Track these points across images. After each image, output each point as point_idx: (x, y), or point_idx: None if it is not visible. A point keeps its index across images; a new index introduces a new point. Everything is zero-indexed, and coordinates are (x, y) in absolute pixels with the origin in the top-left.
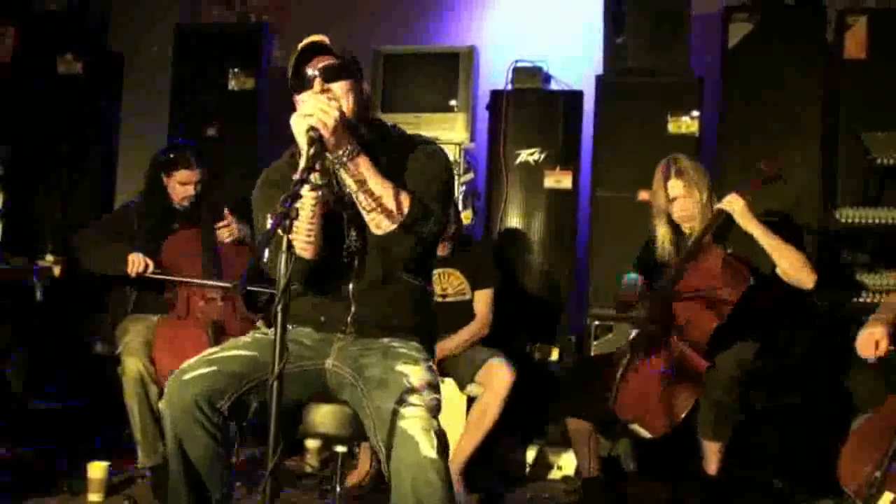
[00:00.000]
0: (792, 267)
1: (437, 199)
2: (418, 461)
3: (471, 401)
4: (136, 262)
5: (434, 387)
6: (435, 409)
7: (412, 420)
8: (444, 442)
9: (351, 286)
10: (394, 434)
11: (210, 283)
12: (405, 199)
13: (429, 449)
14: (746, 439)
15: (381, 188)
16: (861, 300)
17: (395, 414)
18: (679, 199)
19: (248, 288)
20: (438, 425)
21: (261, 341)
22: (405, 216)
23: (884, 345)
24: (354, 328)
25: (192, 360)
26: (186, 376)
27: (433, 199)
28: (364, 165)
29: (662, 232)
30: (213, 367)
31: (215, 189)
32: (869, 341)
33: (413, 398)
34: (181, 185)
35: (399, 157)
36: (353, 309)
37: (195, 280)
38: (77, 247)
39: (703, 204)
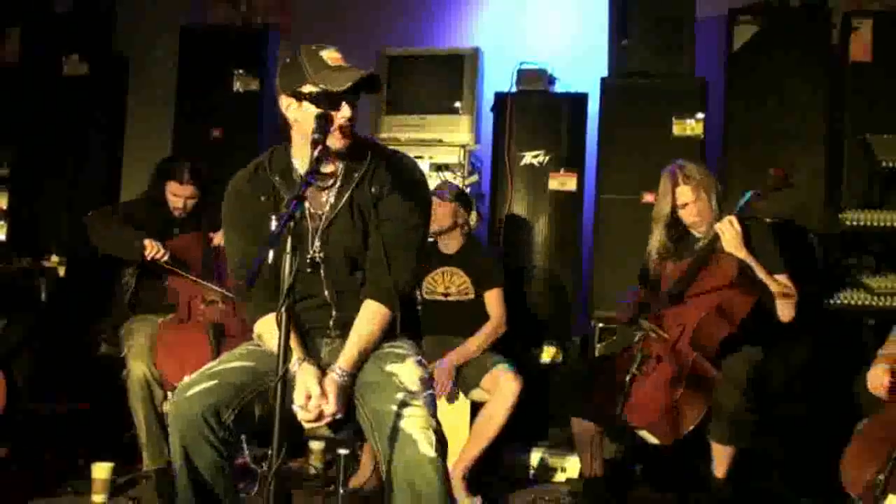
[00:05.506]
0: (777, 296)
1: (410, 251)
2: (417, 459)
3: (474, 405)
4: (153, 247)
5: (425, 381)
6: (432, 406)
7: (410, 419)
8: (442, 440)
9: (326, 292)
10: (392, 435)
11: (216, 287)
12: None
13: (427, 447)
14: (751, 445)
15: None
16: (866, 303)
17: (392, 415)
18: (689, 205)
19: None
20: (437, 424)
21: (255, 352)
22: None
23: (886, 379)
24: (338, 331)
25: (193, 376)
26: (190, 392)
27: (409, 258)
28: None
29: (656, 240)
30: (215, 381)
31: (217, 192)
32: (875, 381)
33: (408, 398)
34: (173, 196)
35: (386, 190)
36: (333, 313)
37: (199, 280)
38: (91, 225)
39: (712, 207)
